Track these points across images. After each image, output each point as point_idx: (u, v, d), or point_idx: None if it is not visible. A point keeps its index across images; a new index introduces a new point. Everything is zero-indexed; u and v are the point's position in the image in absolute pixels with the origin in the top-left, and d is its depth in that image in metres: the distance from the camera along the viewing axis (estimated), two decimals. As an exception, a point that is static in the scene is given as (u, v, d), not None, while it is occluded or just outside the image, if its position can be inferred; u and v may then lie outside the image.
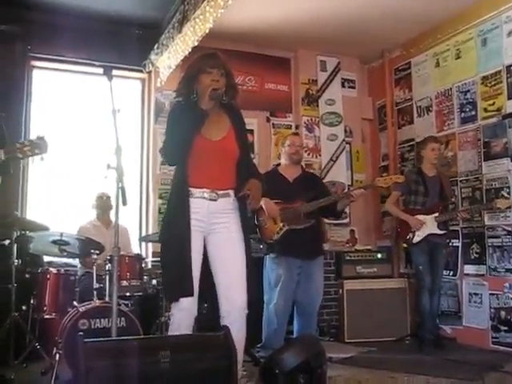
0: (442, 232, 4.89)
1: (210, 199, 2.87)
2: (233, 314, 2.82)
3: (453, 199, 5.28)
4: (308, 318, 4.39)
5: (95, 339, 2.13)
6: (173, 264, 2.83)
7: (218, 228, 2.90)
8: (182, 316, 2.81)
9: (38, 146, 3.15)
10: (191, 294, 2.78)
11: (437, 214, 4.87)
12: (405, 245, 5.08)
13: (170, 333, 2.83)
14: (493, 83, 4.98)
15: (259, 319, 4.37)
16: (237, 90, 3.03)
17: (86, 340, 2.05)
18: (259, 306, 4.38)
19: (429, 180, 5.00)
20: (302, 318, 4.41)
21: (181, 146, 2.82)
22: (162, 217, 5.28)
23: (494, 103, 4.97)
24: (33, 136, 3.27)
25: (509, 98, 4.81)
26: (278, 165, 4.68)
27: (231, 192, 2.95)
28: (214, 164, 2.89)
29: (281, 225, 4.24)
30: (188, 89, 2.94)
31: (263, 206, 4.21)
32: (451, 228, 5.21)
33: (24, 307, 3.99)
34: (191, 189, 2.86)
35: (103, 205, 4.84)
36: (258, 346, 4.32)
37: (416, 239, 4.88)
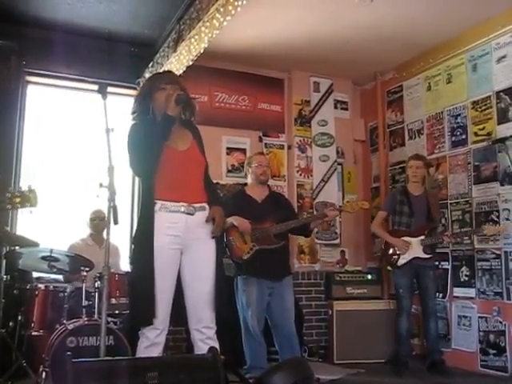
0: (427, 256, 4.85)
1: (188, 213, 2.86)
2: (202, 333, 2.85)
3: (442, 221, 5.32)
4: (288, 339, 4.32)
5: (83, 359, 2.12)
6: (137, 291, 2.85)
7: (193, 244, 2.90)
8: (155, 335, 2.81)
9: (29, 200, 3.14)
10: (154, 317, 2.77)
11: (423, 237, 4.84)
12: (389, 267, 5.04)
13: (140, 351, 2.81)
14: (483, 108, 5.04)
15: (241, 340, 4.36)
16: (194, 106, 3.05)
17: (75, 360, 2.04)
18: (238, 326, 4.37)
19: (414, 199, 4.97)
20: (282, 340, 4.34)
21: (152, 152, 2.80)
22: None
23: (484, 128, 5.03)
24: (24, 187, 3.24)
25: (498, 123, 4.87)
26: (245, 185, 4.67)
27: (206, 205, 2.96)
28: (185, 175, 2.90)
29: (251, 245, 4.24)
30: (143, 107, 2.97)
31: (236, 224, 4.21)
32: (440, 250, 5.23)
33: (11, 323, 3.96)
34: (166, 202, 2.84)
35: (96, 228, 4.83)
36: (244, 367, 4.26)
37: (401, 262, 4.84)
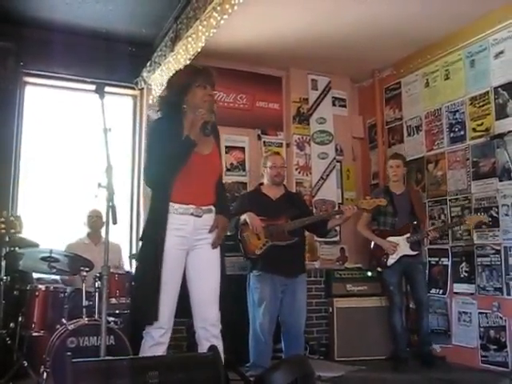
0: (414, 253, 4.93)
1: (196, 215, 2.89)
2: (207, 331, 2.86)
3: (441, 217, 5.33)
4: (295, 338, 4.36)
5: (83, 359, 2.12)
6: (142, 290, 2.85)
7: (199, 245, 2.92)
8: (160, 335, 2.81)
9: (14, 226, 3.16)
10: (155, 320, 2.78)
11: (408, 235, 4.91)
12: (379, 268, 5.10)
13: (144, 351, 2.82)
14: (481, 104, 5.04)
15: (246, 338, 4.36)
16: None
17: (75, 360, 2.04)
18: (245, 324, 4.37)
19: (397, 199, 5.06)
20: (288, 338, 4.39)
21: (168, 173, 2.84)
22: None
23: (482, 123, 5.03)
24: (8, 213, 3.27)
25: (497, 119, 4.87)
26: (261, 184, 4.69)
27: (213, 208, 2.98)
28: (200, 179, 2.91)
29: (264, 240, 4.26)
30: (178, 98, 2.95)
31: (247, 221, 4.23)
32: (440, 247, 5.27)
33: (12, 324, 3.95)
34: (175, 204, 2.86)
35: (93, 224, 4.85)
36: (247, 365, 4.29)
37: (390, 261, 4.94)
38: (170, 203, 2.86)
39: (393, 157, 5.26)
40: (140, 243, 3.01)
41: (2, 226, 3.13)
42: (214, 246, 2.94)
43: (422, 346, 5.01)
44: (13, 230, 3.16)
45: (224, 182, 5.62)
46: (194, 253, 2.93)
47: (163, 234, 2.81)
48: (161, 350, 2.82)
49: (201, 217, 2.90)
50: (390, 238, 4.95)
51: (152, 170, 2.91)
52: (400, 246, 4.90)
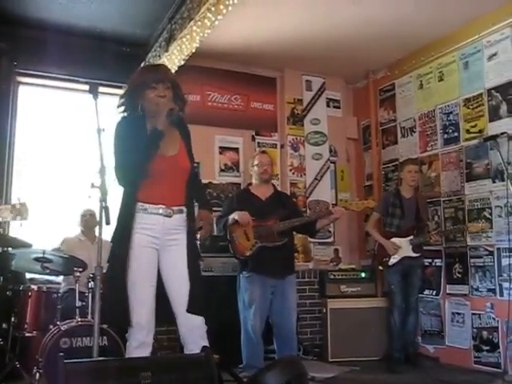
0: (416, 255, 4.98)
1: (165, 215, 2.85)
2: (191, 333, 2.82)
3: (435, 219, 5.36)
4: (287, 339, 4.34)
5: (76, 360, 2.12)
6: (111, 289, 2.79)
7: (170, 245, 2.87)
8: (143, 335, 2.78)
9: (20, 213, 3.17)
10: (128, 324, 2.76)
11: (412, 237, 4.96)
12: (380, 267, 5.19)
13: (130, 353, 2.78)
14: (475, 105, 5.06)
15: (238, 339, 4.35)
16: (185, 101, 3.00)
17: (67, 361, 2.03)
18: (237, 325, 4.37)
19: (406, 202, 5.10)
20: (280, 338, 4.37)
21: (138, 167, 2.78)
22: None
23: (476, 125, 5.05)
24: (14, 200, 3.27)
25: (490, 121, 4.89)
26: (250, 184, 4.69)
27: (184, 208, 2.93)
28: (169, 180, 2.87)
29: (253, 241, 4.25)
30: (132, 104, 2.91)
31: (236, 217, 4.23)
32: (433, 248, 5.28)
33: (4, 325, 3.94)
34: (145, 204, 2.82)
35: (87, 223, 4.83)
36: (240, 366, 4.27)
37: (392, 261, 4.98)
38: (140, 203, 2.82)
39: (411, 162, 5.24)
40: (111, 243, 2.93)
41: (8, 212, 3.15)
42: (201, 241, 2.92)
43: (407, 347, 5.04)
44: (19, 217, 3.17)
45: (218, 182, 5.79)
46: (166, 254, 2.88)
47: (129, 232, 2.78)
48: (146, 352, 2.78)
49: (171, 217, 2.86)
50: (394, 239, 5.00)
51: (121, 171, 2.81)
52: (402, 248, 4.95)
